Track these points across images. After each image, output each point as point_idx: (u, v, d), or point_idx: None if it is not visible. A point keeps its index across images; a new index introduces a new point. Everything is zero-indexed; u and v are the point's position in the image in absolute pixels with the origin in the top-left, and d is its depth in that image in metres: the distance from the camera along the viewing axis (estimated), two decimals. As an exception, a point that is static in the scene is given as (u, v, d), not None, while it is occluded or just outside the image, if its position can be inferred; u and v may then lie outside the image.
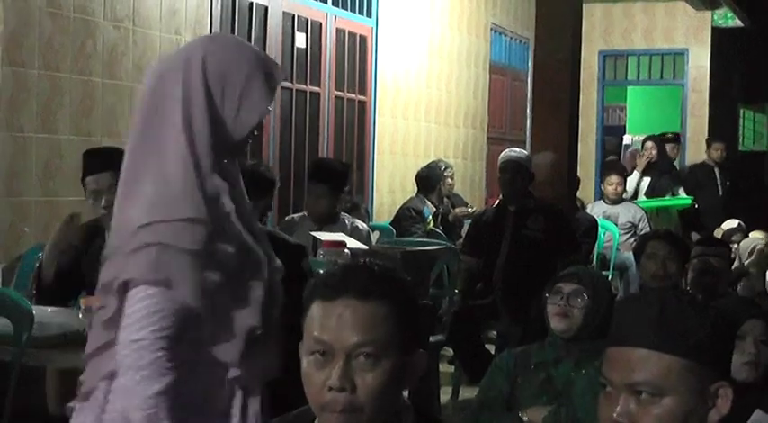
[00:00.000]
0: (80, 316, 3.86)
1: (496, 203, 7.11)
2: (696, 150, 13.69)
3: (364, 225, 6.34)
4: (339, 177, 6.17)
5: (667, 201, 10.94)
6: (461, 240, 7.81)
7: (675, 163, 12.06)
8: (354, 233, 6.05)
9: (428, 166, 9.07)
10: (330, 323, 2.04)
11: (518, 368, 3.87)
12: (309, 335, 2.07)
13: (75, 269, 4.69)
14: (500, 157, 6.99)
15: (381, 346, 2.04)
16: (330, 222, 6.14)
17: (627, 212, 9.74)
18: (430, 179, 8.86)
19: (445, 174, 9.06)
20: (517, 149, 7.23)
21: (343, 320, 2.03)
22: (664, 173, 11.15)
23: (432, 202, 8.76)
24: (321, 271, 2.20)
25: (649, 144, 11.35)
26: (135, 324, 2.48)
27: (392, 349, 2.04)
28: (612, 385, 1.94)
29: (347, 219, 6.26)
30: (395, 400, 2.08)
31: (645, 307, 1.96)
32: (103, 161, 4.50)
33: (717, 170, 11.54)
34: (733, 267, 6.41)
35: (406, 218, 8.49)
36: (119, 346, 2.50)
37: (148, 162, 2.67)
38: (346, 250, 5.11)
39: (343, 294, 2.05)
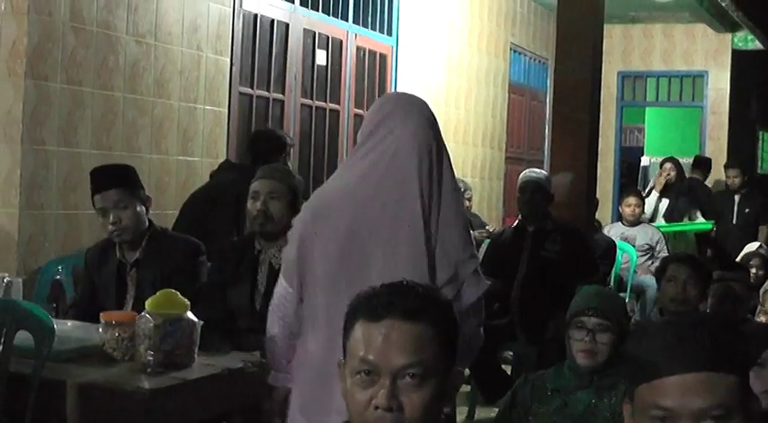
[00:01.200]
0: (99, 330, 3.88)
1: (515, 224, 7.10)
2: (714, 173, 13.67)
3: None
4: None
5: (686, 225, 10.91)
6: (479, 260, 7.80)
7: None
8: None
9: None
10: (376, 344, 2.06)
11: (534, 394, 3.83)
12: (354, 355, 2.10)
13: (89, 294, 4.71)
14: (519, 178, 6.98)
15: (427, 367, 2.07)
16: None
17: (644, 234, 9.72)
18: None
19: (464, 195, 9.06)
20: (537, 170, 7.24)
21: (390, 342, 2.06)
22: (682, 195, 11.12)
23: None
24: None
25: (668, 165, 11.32)
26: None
27: (436, 369, 2.08)
28: (674, 415, 1.87)
29: None
30: (437, 417, 2.12)
31: (690, 331, 1.90)
32: (109, 179, 4.55)
33: (736, 196, 11.48)
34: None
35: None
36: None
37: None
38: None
39: (389, 315, 2.07)
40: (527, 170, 7.17)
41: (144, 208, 4.59)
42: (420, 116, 3.31)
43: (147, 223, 4.62)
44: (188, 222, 5.93)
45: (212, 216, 5.99)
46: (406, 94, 3.69)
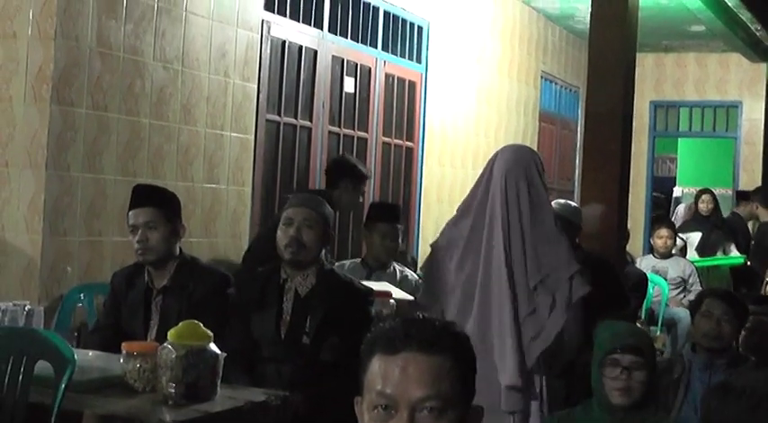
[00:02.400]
0: (121, 361, 3.86)
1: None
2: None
3: (414, 274, 6.32)
4: (397, 212, 6.25)
5: (719, 259, 10.82)
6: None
7: (750, 222, 11.90)
8: (403, 282, 6.03)
9: None
10: (394, 377, 2.04)
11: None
12: (371, 389, 2.07)
13: (113, 320, 4.71)
14: None
15: (445, 400, 2.04)
16: (381, 269, 6.13)
17: (676, 267, 9.65)
18: None
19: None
20: (563, 201, 7.18)
21: (407, 374, 2.03)
22: (716, 227, 11.04)
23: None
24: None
25: (707, 197, 11.24)
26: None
27: (455, 403, 2.05)
28: None
29: (397, 266, 6.26)
30: None
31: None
32: (147, 197, 4.62)
33: None
34: None
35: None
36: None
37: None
38: (392, 301, 5.08)
39: (406, 348, 2.05)
40: (554, 202, 7.12)
41: (176, 235, 4.61)
42: (507, 159, 4.60)
43: (178, 251, 4.64)
44: (262, 251, 5.98)
45: None
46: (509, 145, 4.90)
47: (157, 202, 4.63)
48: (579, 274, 4.42)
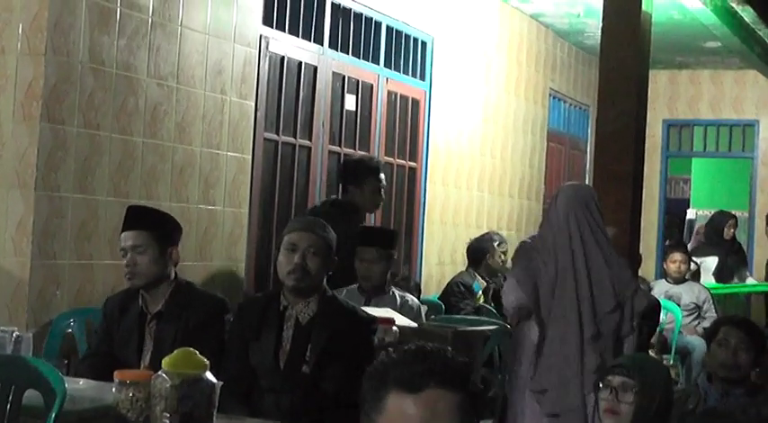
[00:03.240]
0: (113, 390, 3.85)
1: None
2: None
3: (415, 299, 6.33)
4: (387, 239, 6.23)
5: (739, 287, 10.81)
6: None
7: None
8: (404, 308, 6.04)
9: (477, 239, 9.04)
10: (421, 417, 2.02)
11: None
12: None
13: (105, 346, 4.72)
14: None
15: None
16: (378, 294, 6.14)
17: (690, 293, 9.64)
18: (477, 252, 8.83)
19: (498, 248, 9.01)
20: None
21: (436, 413, 2.02)
22: (733, 253, 11.05)
23: (482, 276, 8.72)
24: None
25: (733, 222, 11.26)
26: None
27: None
28: None
29: (397, 291, 6.27)
30: None
31: None
32: (137, 219, 4.65)
33: None
34: None
35: (454, 293, 8.47)
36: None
37: None
38: (395, 328, 5.08)
39: (429, 385, 2.03)
40: None
41: (165, 259, 4.61)
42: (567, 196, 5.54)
43: (173, 275, 4.65)
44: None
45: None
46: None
47: (147, 225, 4.65)
48: (639, 289, 5.61)
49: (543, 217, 5.72)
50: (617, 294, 5.43)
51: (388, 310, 5.58)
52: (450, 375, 2.04)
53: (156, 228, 4.66)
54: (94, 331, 5.00)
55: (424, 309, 7.63)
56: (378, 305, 5.87)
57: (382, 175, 6.87)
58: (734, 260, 11.08)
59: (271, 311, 4.46)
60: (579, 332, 5.35)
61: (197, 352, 3.74)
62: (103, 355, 4.66)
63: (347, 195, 6.74)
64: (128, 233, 4.63)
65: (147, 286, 4.62)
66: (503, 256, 9.17)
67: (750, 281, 11.21)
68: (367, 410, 2.08)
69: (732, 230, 11.18)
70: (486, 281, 8.72)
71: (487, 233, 9.27)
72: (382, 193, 6.83)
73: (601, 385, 3.86)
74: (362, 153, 6.96)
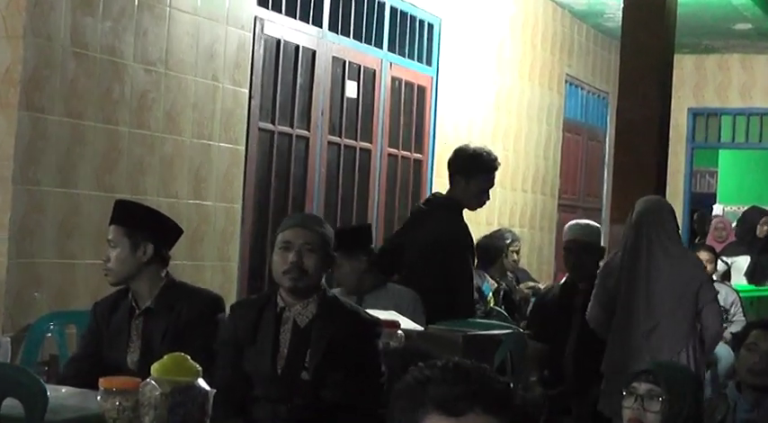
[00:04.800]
0: (98, 398, 3.87)
1: (563, 280, 7.11)
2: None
3: (411, 290, 6.36)
4: (347, 239, 6.13)
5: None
6: (525, 321, 7.80)
7: None
8: (401, 300, 6.07)
9: (489, 236, 9.03)
10: None
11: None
12: None
13: (92, 349, 4.75)
14: (565, 232, 7.06)
15: None
16: (371, 291, 6.17)
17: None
18: (489, 251, 8.81)
19: (511, 247, 9.02)
20: (583, 222, 7.23)
21: None
22: (765, 252, 11.04)
23: (492, 277, 8.72)
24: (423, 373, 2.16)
25: (766, 219, 11.26)
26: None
27: None
28: None
29: (392, 286, 6.30)
30: None
31: None
32: (115, 213, 4.70)
33: None
34: None
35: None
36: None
37: None
38: (400, 332, 5.10)
39: (473, 409, 2.04)
40: (573, 223, 7.18)
41: (136, 254, 4.65)
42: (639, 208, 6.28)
43: (164, 274, 4.69)
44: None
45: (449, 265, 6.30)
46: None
47: (123, 220, 4.70)
48: (706, 283, 6.21)
49: (623, 231, 6.45)
50: (677, 294, 6.04)
51: (392, 312, 5.59)
52: (493, 399, 2.05)
53: (128, 222, 4.69)
54: (81, 335, 5.02)
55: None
56: (373, 303, 5.88)
57: (495, 175, 6.85)
58: (764, 260, 11.07)
59: (267, 314, 4.46)
60: (636, 332, 6.02)
61: (189, 357, 3.76)
62: (89, 360, 4.69)
63: (452, 188, 6.69)
64: (110, 228, 4.70)
65: (121, 283, 4.68)
66: (515, 256, 9.18)
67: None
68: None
69: (766, 228, 11.17)
70: (497, 282, 8.72)
71: (499, 230, 9.28)
72: (489, 193, 6.81)
73: (625, 393, 3.87)
74: (479, 146, 6.91)
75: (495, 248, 8.85)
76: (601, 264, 6.83)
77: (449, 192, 6.66)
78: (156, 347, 4.44)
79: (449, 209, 6.55)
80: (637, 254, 6.16)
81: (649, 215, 6.21)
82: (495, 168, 6.72)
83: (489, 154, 6.71)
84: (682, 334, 6.01)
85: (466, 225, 6.64)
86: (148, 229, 4.73)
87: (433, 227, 6.40)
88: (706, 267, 6.90)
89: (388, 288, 6.26)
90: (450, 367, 2.12)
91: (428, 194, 9.52)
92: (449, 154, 9.72)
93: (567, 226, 7.15)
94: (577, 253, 6.84)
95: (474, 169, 6.61)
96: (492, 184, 6.73)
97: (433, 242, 6.34)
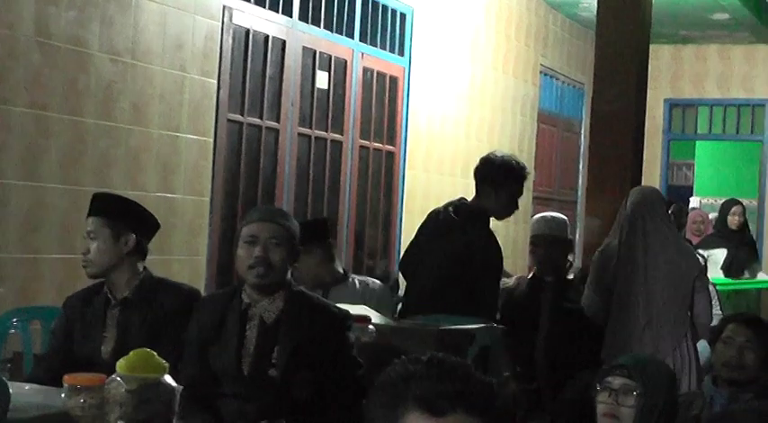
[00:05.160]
0: (62, 396, 3.86)
1: (531, 275, 7.14)
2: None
3: (376, 281, 6.36)
4: (307, 232, 6.14)
5: (750, 283, 10.84)
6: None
7: None
8: (366, 294, 6.07)
9: None
10: None
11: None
12: None
13: (64, 346, 4.74)
14: (531, 226, 7.08)
15: None
16: (335, 285, 6.18)
17: (693, 289, 9.67)
18: None
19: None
20: (549, 216, 7.23)
21: None
22: (743, 245, 11.07)
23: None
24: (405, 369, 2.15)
25: (737, 209, 11.27)
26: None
27: None
28: None
29: (357, 278, 6.30)
30: None
31: None
32: (94, 205, 4.70)
33: None
34: None
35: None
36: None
37: None
38: (371, 327, 5.10)
39: (456, 409, 2.04)
40: (539, 217, 7.18)
41: (118, 246, 4.65)
42: (635, 198, 6.47)
43: (141, 268, 4.69)
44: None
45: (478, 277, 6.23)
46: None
47: (102, 211, 4.69)
48: (701, 273, 6.48)
49: (615, 220, 6.61)
50: (674, 284, 6.29)
51: (364, 307, 5.60)
52: (477, 400, 2.06)
53: (108, 214, 4.69)
54: (50, 331, 5.01)
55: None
56: (337, 297, 5.88)
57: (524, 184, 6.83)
58: (744, 253, 11.09)
59: (231, 311, 4.44)
60: (635, 321, 6.25)
61: (155, 353, 3.75)
62: (62, 355, 4.67)
63: (479, 197, 6.64)
64: (88, 219, 4.69)
65: (101, 276, 4.66)
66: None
67: (761, 276, 11.25)
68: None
69: (737, 218, 11.18)
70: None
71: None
72: (518, 203, 6.79)
73: (599, 387, 3.88)
74: (507, 154, 6.87)
75: None
76: (570, 257, 6.90)
77: (475, 200, 6.59)
78: (132, 338, 4.43)
79: (479, 219, 6.52)
80: (633, 246, 6.31)
81: (644, 206, 6.38)
82: (525, 178, 6.66)
83: (518, 163, 6.67)
84: (681, 322, 6.22)
85: (495, 237, 6.61)
86: (129, 219, 4.74)
87: (464, 237, 6.35)
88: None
89: (352, 281, 6.26)
90: (434, 363, 2.11)
91: (399, 187, 9.53)
92: (422, 146, 9.78)
93: (532, 220, 7.18)
94: (544, 247, 6.86)
95: (503, 179, 6.55)
96: (521, 194, 6.69)
97: (463, 253, 6.29)
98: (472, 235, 6.35)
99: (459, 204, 6.56)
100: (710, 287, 9.55)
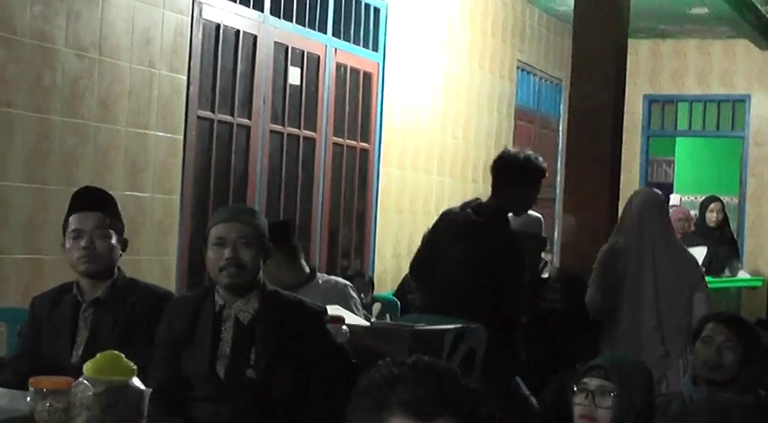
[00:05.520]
0: (28, 399, 3.84)
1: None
2: (757, 215, 13.71)
3: (340, 280, 6.36)
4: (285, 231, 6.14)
5: (731, 281, 10.89)
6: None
7: None
8: (331, 293, 6.07)
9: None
10: None
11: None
12: None
13: (31, 349, 4.72)
14: None
15: None
16: (301, 285, 6.17)
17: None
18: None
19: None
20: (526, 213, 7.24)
21: None
22: (723, 242, 11.12)
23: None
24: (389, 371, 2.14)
25: (716, 206, 11.31)
26: None
27: None
28: None
29: (321, 278, 6.30)
30: None
31: None
32: (95, 200, 4.69)
33: None
34: None
35: (411, 290, 8.47)
36: None
37: None
38: (344, 327, 5.10)
39: (442, 415, 2.04)
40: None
41: (119, 246, 4.67)
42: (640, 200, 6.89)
43: (116, 270, 4.69)
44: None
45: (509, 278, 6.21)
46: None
47: (107, 208, 4.70)
48: (702, 276, 6.99)
49: (619, 220, 6.99)
50: (680, 289, 6.64)
51: (337, 307, 5.60)
52: (464, 406, 2.05)
53: (115, 214, 4.71)
54: (16, 333, 4.99)
55: (377, 308, 7.72)
56: (305, 296, 5.87)
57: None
58: (725, 251, 11.13)
59: (204, 313, 4.43)
60: (646, 323, 6.59)
61: (122, 355, 3.74)
62: (29, 357, 4.65)
63: (499, 195, 6.59)
64: (86, 214, 4.63)
65: (99, 274, 4.65)
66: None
67: (742, 274, 11.31)
68: None
69: (716, 215, 11.22)
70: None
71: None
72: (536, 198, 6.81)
73: (576, 389, 3.89)
74: (524, 150, 6.85)
75: None
76: (545, 256, 6.94)
77: (495, 199, 6.54)
78: (104, 340, 4.42)
79: (502, 218, 6.52)
80: (640, 247, 6.66)
81: (649, 208, 6.79)
82: (545, 172, 6.70)
83: (537, 158, 6.69)
84: (686, 324, 6.49)
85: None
86: (122, 222, 4.76)
87: (490, 238, 6.32)
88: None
89: (316, 281, 6.25)
90: (420, 367, 2.10)
91: (374, 185, 9.53)
92: (397, 143, 9.78)
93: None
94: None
95: (528, 176, 6.55)
96: (540, 189, 6.70)
97: (491, 254, 6.27)
98: (499, 235, 6.34)
99: (478, 205, 6.53)
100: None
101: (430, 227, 6.49)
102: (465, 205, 6.49)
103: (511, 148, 6.87)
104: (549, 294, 6.76)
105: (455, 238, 6.37)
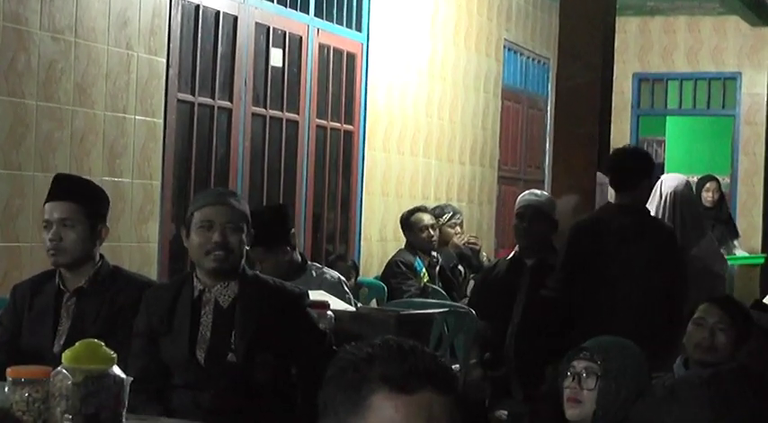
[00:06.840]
0: (5, 389, 3.84)
1: (510, 255, 7.10)
2: (749, 194, 13.72)
3: (334, 273, 6.35)
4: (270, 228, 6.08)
5: (730, 258, 10.90)
6: (467, 299, 7.82)
7: None
8: (323, 284, 6.06)
9: (410, 210, 8.99)
10: (414, 421, 2.03)
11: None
12: None
13: (10, 337, 4.71)
14: (517, 201, 6.99)
15: None
16: (292, 277, 6.16)
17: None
18: (411, 225, 8.79)
19: (454, 221, 9.07)
20: (538, 192, 7.22)
21: (432, 418, 2.04)
22: (720, 222, 11.13)
23: (423, 252, 8.70)
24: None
25: (712, 185, 11.32)
26: None
27: None
28: None
29: (314, 269, 6.29)
30: None
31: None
32: (66, 190, 4.64)
33: None
34: None
35: (394, 274, 8.47)
36: None
37: None
38: (330, 313, 5.11)
39: (424, 386, 2.05)
40: (526, 192, 7.18)
41: (95, 237, 4.64)
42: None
43: (98, 257, 4.67)
44: None
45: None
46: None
47: (79, 198, 4.66)
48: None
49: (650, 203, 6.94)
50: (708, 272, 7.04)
51: (322, 292, 5.60)
52: (443, 377, 2.07)
53: (85, 201, 4.66)
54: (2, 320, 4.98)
55: (364, 292, 7.72)
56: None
57: None
58: (721, 230, 11.14)
59: (183, 299, 4.44)
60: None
61: (102, 343, 3.73)
62: (8, 346, 4.65)
63: (637, 193, 6.56)
64: (54, 204, 4.62)
65: (70, 265, 4.63)
66: (459, 229, 9.23)
67: (738, 252, 11.32)
68: (337, 410, 2.07)
69: (712, 195, 11.24)
70: (428, 257, 8.70)
71: (438, 207, 9.31)
72: None
73: (567, 373, 3.89)
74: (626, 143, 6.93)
75: (414, 222, 8.78)
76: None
77: (633, 198, 6.53)
78: (87, 329, 4.41)
79: (650, 216, 6.73)
80: (683, 234, 6.99)
81: (684, 195, 7.31)
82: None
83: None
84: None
85: None
86: (101, 206, 4.73)
87: (654, 240, 6.40)
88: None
89: (310, 271, 6.24)
90: (392, 345, 2.11)
91: (358, 168, 9.52)
92: (382, 125, 9.77)
93: (520, 196, 7.13)
94: (530, 219, 6.76)
95: (650, 169, 6.68)
96: None
97: (659, 253, 6.39)
98: (664, 229, 6.62)
99: (623, 208, 6.51)
100: None
101: (566, 248, 6.56)
102: (606, 210, 6.63)
103: (631, 145, 7.07)
104: (554, 282, 6.68)
105: (617, 246, 6.46)
